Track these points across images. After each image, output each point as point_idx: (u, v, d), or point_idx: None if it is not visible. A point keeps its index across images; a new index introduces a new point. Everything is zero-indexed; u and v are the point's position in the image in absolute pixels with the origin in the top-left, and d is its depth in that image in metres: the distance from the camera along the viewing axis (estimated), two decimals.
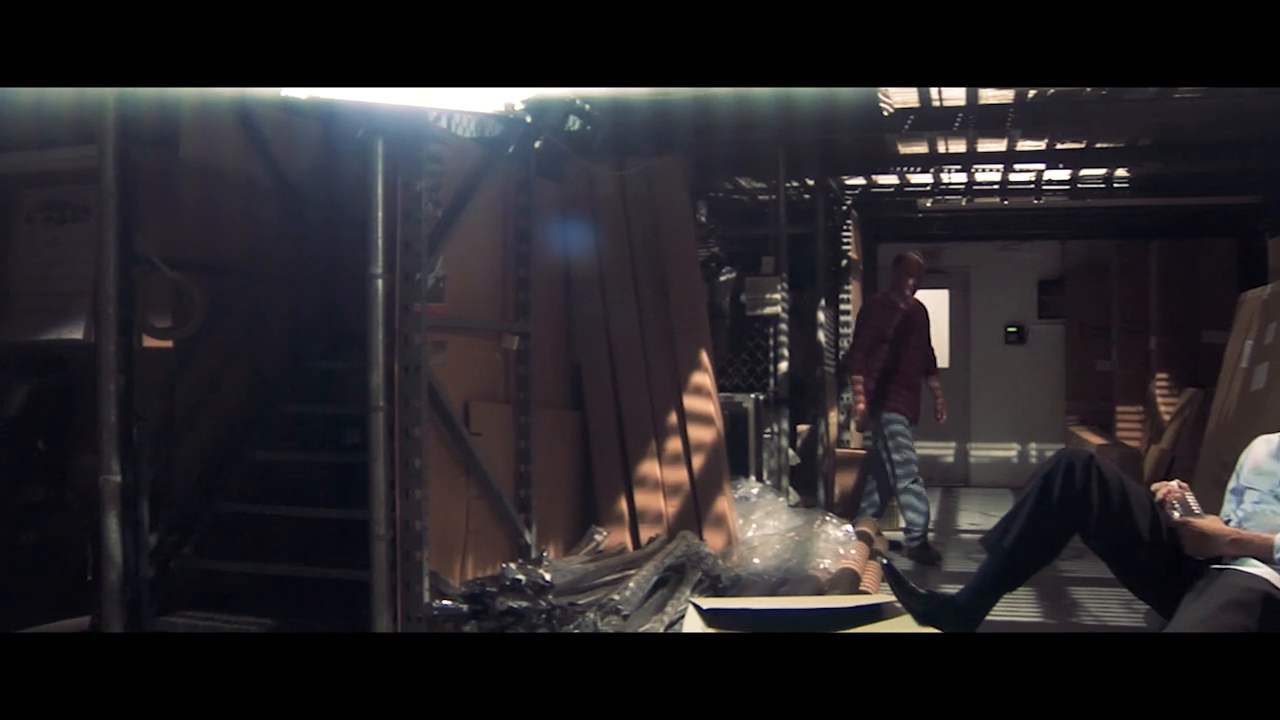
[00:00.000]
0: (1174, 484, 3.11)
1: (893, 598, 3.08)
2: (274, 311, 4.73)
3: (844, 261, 8.00)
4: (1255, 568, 2.85)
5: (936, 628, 2.76)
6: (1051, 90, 5.38)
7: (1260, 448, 3.21)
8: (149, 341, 4.32)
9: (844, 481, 7.28)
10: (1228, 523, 3.07)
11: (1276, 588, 2.77)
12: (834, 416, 7.77)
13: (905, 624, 2.82)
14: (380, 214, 3.76)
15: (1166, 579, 3.01)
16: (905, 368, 6.98)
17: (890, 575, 3.06)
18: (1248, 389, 4.60)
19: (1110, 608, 5.13)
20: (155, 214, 4.30)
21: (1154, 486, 3.15)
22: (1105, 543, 3.08)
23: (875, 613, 2.95)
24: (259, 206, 4.70)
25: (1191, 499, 3.06)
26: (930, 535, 6.93)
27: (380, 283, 3.75)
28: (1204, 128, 6.13)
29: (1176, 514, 3.02)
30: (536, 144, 5.03)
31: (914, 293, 7.19)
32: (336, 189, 4.57)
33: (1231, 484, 3.22)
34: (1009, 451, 11.26)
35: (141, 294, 4.14)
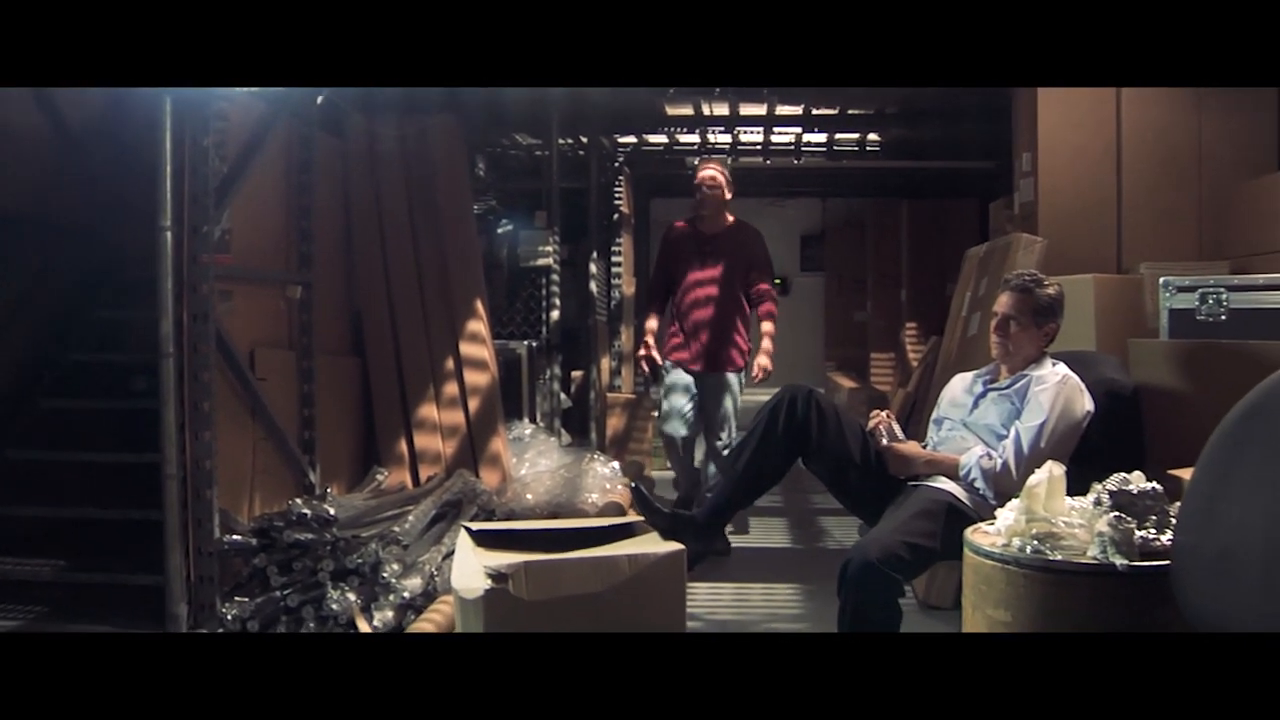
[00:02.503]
0: (882, 414, 3.58)
1: (637, 517, 3.44)
2: (61, 260, 4.72)
3: (616, 216, 8.25)
4: (944, 483, 3.33)
5: (680, 542, 3.12)
6: None
7: (957, 384, 3.73)
8: None
9: (614, 424, 7.53)
10: (927, 447, 3.55)
11: (959, 499, 3.26)
12: (606, 363, 8.08)
13: (653, 540, 3.18)
14: (168, 169, 3.84)
15: (875, 496, 3.46)
16: None
17: (637, 496, 3.43)
18: (965, 336, 5.10)
19: (851, 534, 5.65)
20: None
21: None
22: (823, 466, 3.51)
23: (627, 530, 3.25)
24: (41, 155, 4.65)
25: (897, 428, 3.54)
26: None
27: (169, 235, 3.85)
28: (944, 99, 6.68)
29: (883, 440, 3.49)
30: (319, 99, 5.21)
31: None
32: (123, 137, 4.54)
33: (934, 415, 3.72)
34: (771, 395, 11.78)
35: None
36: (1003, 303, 3.48)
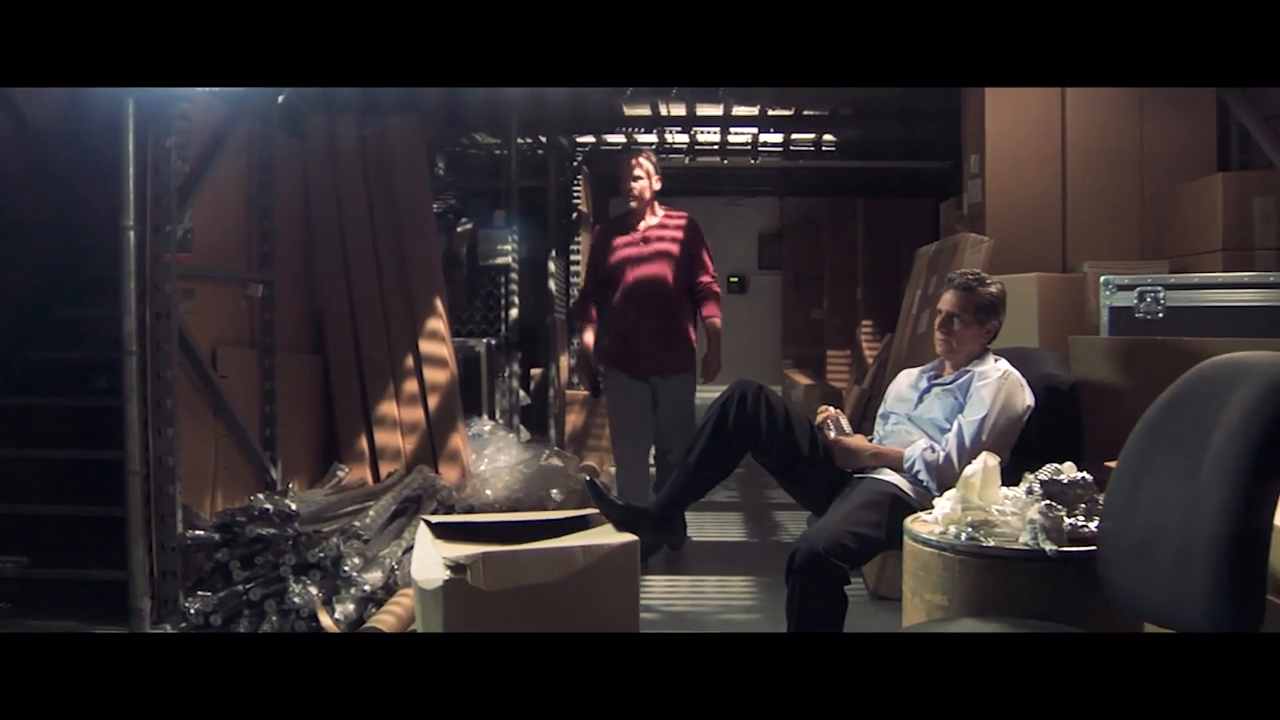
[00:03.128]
0: (830, 409, 3.69)
1: (594, 510, 3.52)
2: (20, 260, 4.68)
3: (575, 215, 8.29)
4: (889, 475, 3.44)
5: (633, 533, 3.22)
6: None
7: (903, 379, 3.83)
8: None
9: (573, 420, 7.59)
10: (873, 441, 3.65)
11: (903, 490, 3.36)
12: (564, 360, 8.14)
13: (607, 532, 3.27)
14: (131, 169, 3.92)
15: (823, 488, 3.55)
16: None
17: (591, 489, 3.51)
18: (915, 333, 5.22)
19: (804, 528, 5.74)
20: None
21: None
22: (772, 459, 3.59)
23: (582, 522, 3.36)
24: (0, 154, 4.61)
25: (844, 422, 3.65)
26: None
27: (132, 234, 3.92)
28: (897, 100, 6.79)
29: (831, 434, 3.59)
30: (280, 99, 5.27)
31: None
32: (83, 136, 4.55)
33: (881, 410, 3.83)
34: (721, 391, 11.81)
35: None
36: (946, 301, 3.59)
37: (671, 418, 5.30)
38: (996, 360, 3.54)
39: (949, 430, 3.43)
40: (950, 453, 3.35)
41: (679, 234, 5.38)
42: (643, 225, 5.39)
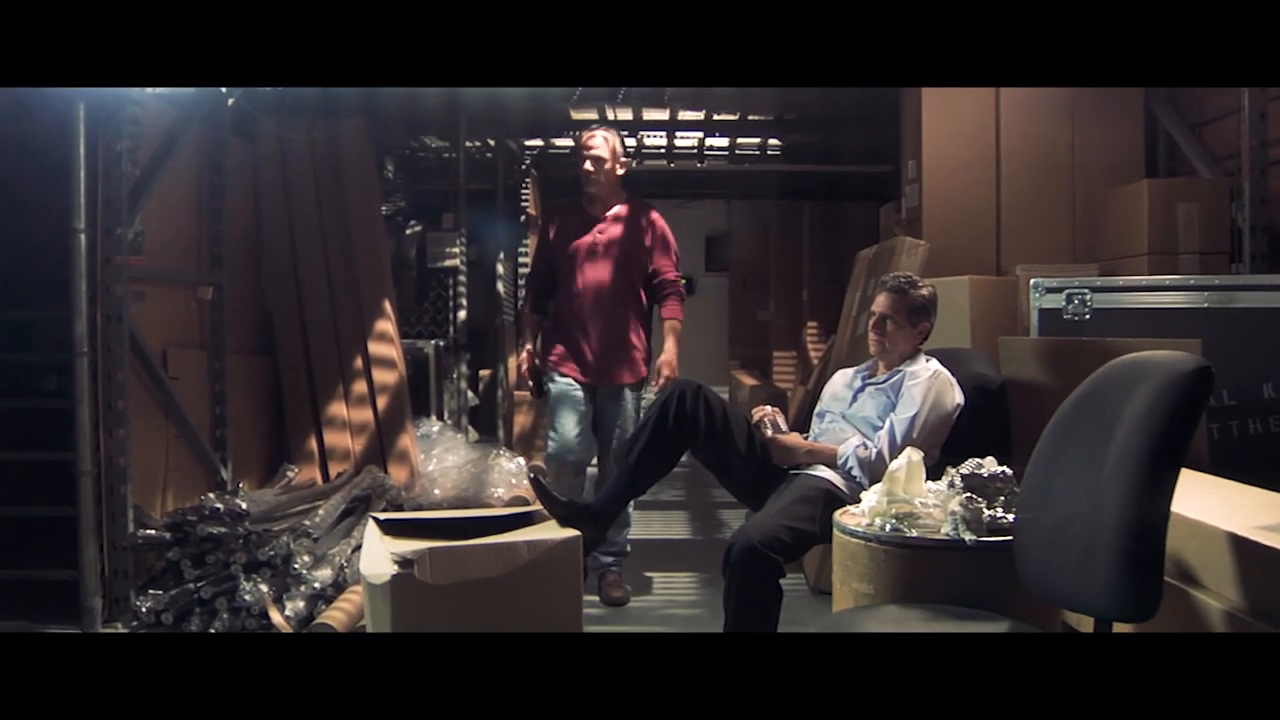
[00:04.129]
0: (767, 408, 3.80)
1: (539, 507, 3.60)
2: None
3: (523, 217, 8.28)
4: (823, 472, 3.54)
5: (576, 529, 3.30)
6: None
7: (838, 379, 3.95)
8: None
9: (521, 421, 7.58)
10: (809, 439, 3.75)
11: (836, 486, 3.47)
12: (513, 361, 8.16)
13: (551, 527, 3.36)
14: (82, 172, 3.96)
15: (759, 484, 3.64)
16: None
17: (536, 486, 3.58)
18: (855, 334, 5.33)
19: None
20: None
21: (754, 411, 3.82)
22: (711, 455, 3.69)
23: (526, 518, 3.45)
24: None
25: (781, 420, 3.76)
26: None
27: (83, 237, 3.97)
28: (841, 105, 6.88)
29: (768, 432, 3.70)
30: (230, 101, 5.31)
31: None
32: (29, 140, 4.49)
33: (817, 409, 3.95)
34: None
35: None
36: (880, 303, 3.72)
37: (613, 434, 4.79)
38: (928, 360, 3.66)
39: (881, 428, 3.55)
40: (882, 449, 3.46)
41: (641, 227, 4.86)
42: (601, 214, 4.86)
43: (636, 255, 4.83)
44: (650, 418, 3.67)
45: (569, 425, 4.75)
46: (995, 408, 3.70)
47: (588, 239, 4.81)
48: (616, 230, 4.82)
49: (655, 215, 4.94)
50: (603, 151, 4.81)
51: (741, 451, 3.66)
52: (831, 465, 3.57)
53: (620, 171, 4.88)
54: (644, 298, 4.90)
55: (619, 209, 4.87)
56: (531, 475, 3.65)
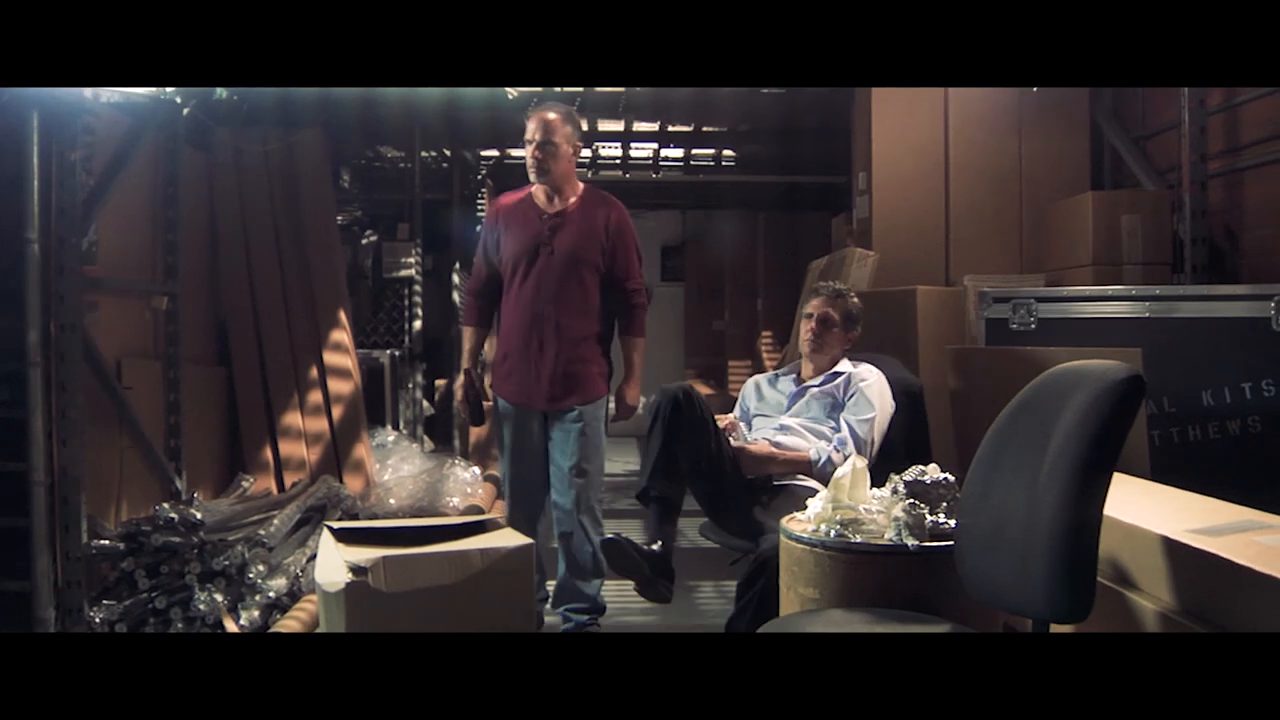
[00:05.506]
0: (730, 417, 3.83)
1: (493, 515, 3.60)
2: None
3: (479, 228, 8.30)
4: (808, 481, 3.56)
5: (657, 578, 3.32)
6: None
7: (759, 384, 4.00)
8: None
9: (477, 431, 7.67)
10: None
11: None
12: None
13: (503, 535, 3.38)
14: (36, 182, 3.93)
15: (742, 498, 3.56)
16: None
17: (617, 549, 3.38)
18: None
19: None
20: None
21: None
22: (705, 476, 3.55)
23: (479, 527, 3.47)
24: None
25: (744, 430, 3.82)
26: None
27: (36, 247, 3.94)
28: (795, 117, 6.97)
29: (736, 441, 3.69)
30: (185, 111, 5.31)
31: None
32: None
33: (739, 416, 3.94)
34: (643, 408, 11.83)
35: None
36: (818, 305, 3.83)
37: (570, 465, 4.05)
38: (857, 364, 3.75)
39: (825, 428, 3.63)
40: (851, 452, 3.53)
41: (599, 222, 4.10)
42: (553, 206, 4.12)
43: (593, 255, 4.08)
44: (656, 436, 3.51)
45: (520, 462, 4.13)
46: (918, 409, 3.83)
47: (536, 235, 4.08)
48: (572, 226, 4.08)
49: (616, 208, 4.19)
50: (552, 133, 4.04)
51: (728, 461, 3.59)
52: (806, 471, 3.60)
53: (572, 154, 4.12)
54: (601, 304, 4.14)
55: (573, 200, 4.13)
56: (617, 535, 3.42)
